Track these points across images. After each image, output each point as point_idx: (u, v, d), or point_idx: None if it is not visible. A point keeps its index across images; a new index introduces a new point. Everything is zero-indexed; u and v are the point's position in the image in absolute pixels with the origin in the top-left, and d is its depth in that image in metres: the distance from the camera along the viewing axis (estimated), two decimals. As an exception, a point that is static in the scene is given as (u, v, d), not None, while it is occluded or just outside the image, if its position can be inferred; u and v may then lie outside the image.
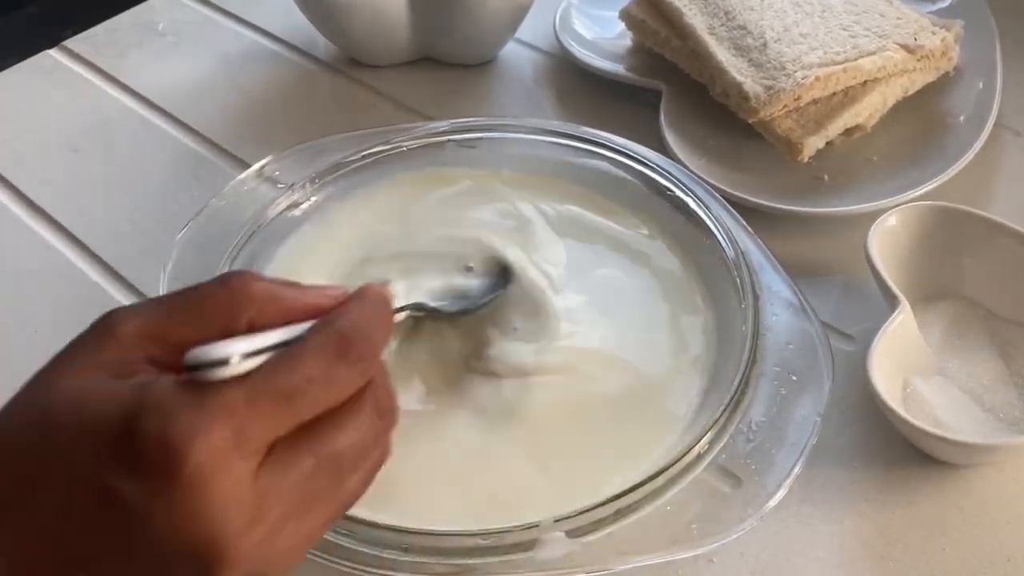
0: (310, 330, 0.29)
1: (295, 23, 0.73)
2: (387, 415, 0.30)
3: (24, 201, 0.63)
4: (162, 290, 0.49)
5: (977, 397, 0.47)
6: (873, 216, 0.52)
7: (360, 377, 0.29)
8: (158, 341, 0.28)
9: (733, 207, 0.53)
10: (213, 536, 0.25)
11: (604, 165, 0.57)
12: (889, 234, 0.50)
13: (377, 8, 0.67)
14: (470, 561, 0.38)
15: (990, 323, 0.50)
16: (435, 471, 0.43)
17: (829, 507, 0.45)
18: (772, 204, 0.56)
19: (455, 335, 0.48)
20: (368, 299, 0.30)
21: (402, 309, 0.41)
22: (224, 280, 0.29)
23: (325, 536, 0.38)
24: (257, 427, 0.26)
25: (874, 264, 0.49)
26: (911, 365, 0.47)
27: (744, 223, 0.52)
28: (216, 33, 0.76)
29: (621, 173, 0.56)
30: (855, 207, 0.55)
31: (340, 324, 0.29)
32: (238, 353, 0.27)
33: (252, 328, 0.29)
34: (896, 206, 0.53)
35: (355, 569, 0.38)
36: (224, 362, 0.26)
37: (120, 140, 0.67)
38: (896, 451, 0.46)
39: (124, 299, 0.56)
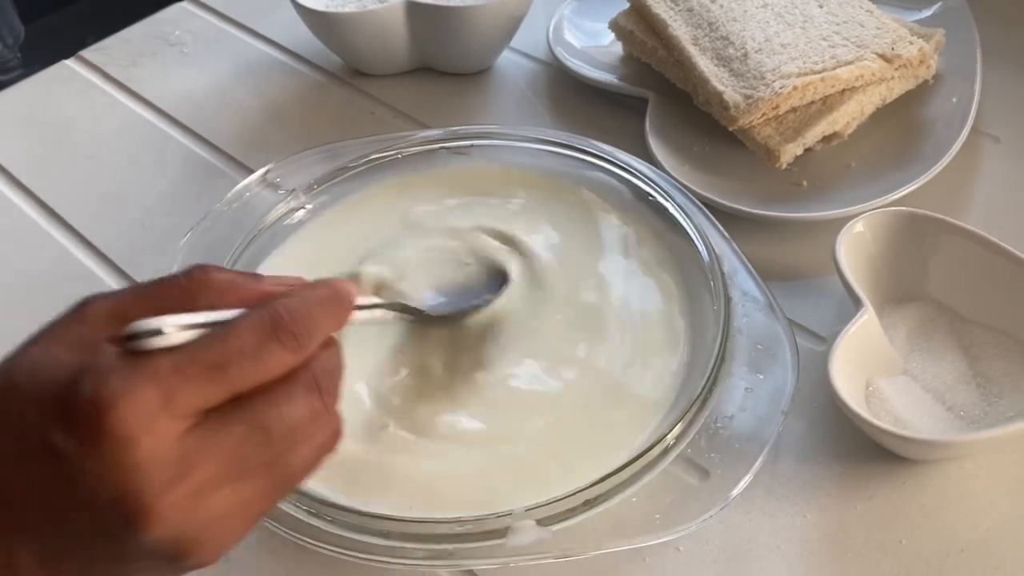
0: (251, 309, 0.32)
1: (301, 35, 0.77)
2: (327, 396, 0.32)
3: (40, 206, 0.67)
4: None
5: (940, 396, 0.50)
6: (848, 221, 0.55)
7: (292, 356, 0.31)
8: (121, 321, 0.31)
9: (713, 212, 0.57)
10: (135, 489, 0.28)
11: (591, 171, 0.60)
12: (857, 239, 0.53)
13: (377, 22, 0.71)
14: (446, 547, 0.42)
15: (956, 325, 0.53)
16: (420, 463, 0.47)
17: (792, 500, 0.48)
18: (750, 209, 0.59)
19: (445, 335, 0.52)
20: (319, 288, 0.34)
21: (377, 306, 0.42)
22: (187, 270, 0.33)
23: (308, 521, 0.42)
24: (185, 392, 0.29)
25: (840, 268, 0.52)
26: (875, 365, 0.50)
27: (721, 228, 0.56)
28: (227, 44, 0.81)
29: (607, 178, 0.60)
30: (829, 212, 0.59)
31: (278, 304, 0.32)
32: (172, 324, 0.30)
33: None
34: (871, 211, 0.56)
35: (336, 552, 0.42)
36: (158, 332, 0.30)
37: (134, 148, 0.72)
38: (860, 448, 0.49)
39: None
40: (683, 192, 0.58)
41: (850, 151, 0.64)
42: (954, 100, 0.65)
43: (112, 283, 0.62)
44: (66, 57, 0.80)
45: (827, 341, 0.55)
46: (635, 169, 0.59)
